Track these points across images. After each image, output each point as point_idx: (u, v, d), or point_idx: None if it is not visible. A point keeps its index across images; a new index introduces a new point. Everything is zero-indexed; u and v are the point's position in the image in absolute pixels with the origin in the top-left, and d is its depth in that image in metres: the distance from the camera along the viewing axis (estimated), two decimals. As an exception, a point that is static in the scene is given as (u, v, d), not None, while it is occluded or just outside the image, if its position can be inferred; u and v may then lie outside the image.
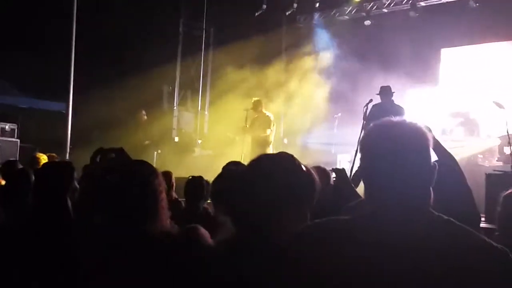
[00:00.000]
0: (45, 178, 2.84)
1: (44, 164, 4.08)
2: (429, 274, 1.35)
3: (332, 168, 4.25)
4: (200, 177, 4.76)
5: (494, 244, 1.41)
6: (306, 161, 1.85)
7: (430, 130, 2.94)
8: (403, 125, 1.54)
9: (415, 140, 1.50)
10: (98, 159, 3.00)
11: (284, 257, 1.56)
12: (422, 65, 11.47)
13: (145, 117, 11.71)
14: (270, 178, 1.75)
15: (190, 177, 4.79)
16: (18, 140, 11.95)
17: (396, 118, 1.57)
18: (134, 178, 2.25)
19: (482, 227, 4.73)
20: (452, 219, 1.47)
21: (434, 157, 2.82)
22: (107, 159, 3.00)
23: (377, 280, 1.38)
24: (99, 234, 2.32)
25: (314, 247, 1.50)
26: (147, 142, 11.07)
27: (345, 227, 1.52)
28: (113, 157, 2.98)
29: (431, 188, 1.51)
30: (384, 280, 1.38)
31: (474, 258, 1.37)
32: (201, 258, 1.81)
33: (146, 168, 2.32)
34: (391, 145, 1.49)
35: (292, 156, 1.86)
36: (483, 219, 6.64)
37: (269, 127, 9.88)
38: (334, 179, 4.15)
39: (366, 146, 1.58)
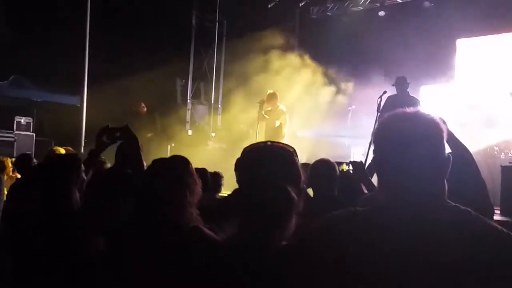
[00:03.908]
0: (51, 170, 2.86)
1: (51, 156, 4.11)
2: (445, 263, 1.34)
3: (350, 161, 4.28)
4: (203, 169, 4.74)
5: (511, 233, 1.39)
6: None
7: (444, 122, 2.92)
8: (416, 116, 1.52)
9: (428, 131, 1.49)
10: (104, 138, 3.02)
11: (298, 253, 1.55)
12: (437, 56, 11.34)
13: (145, 109, 11.64)
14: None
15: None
16: (34, 134, 12.09)
17: (409, 109, 1.55)
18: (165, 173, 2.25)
19: (496, 220, 4.68)
20: (469, 209, 1.45)
21: (447, 149, 2.80)
22: (113, 137, 3.02)
23: (392, 271, 1.38)
24: (112, 224, 2.33)
25: (332, 239, 1.49)
26: (149, 134, 10.93)
27: (361, 218, 1.51)
28: (118, 135, 3.00)
29: (445, 180, 1.49)
30: (400, 271, 1.37)
31: (491, 247, 1.36)
32: (206, 256, 1.79)
33: (179, 162, 2.32)
34: (403, 136, 1.48)
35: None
36: (498, 211, 6.59)
37: (281, 120, 9.87)
38: (352, 171, 4.17)
39: (378, 137, 1.56)
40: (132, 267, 2.13)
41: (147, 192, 2.23)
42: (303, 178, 1.78)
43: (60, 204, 2.72)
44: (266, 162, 1.75)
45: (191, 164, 2.33)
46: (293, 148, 1.81)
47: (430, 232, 1.38)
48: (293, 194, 1.69)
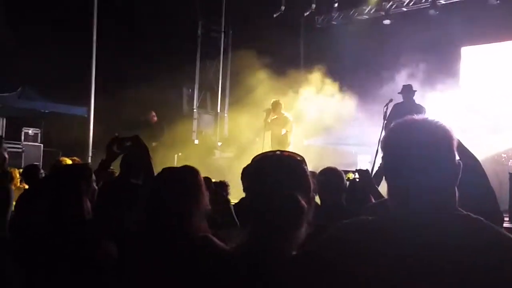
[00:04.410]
0: (58, 180, 2.86)
1: (57, 167, 4.12)
2: (455, 271, 1.33)
3: (356, 169, 4.27)
4: (206, 178, 4.72)
5: None
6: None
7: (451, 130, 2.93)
8: (426, 123, 1.51)
9: (437, 138, 1.48)
10: (114, 148, 3.03)
11: (308, 262, 1.55)
12: (442, 64, 11.35)
13: (155, 118, 11.62)
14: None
15: None
16: (42, 145, 12.18)
17: (418, 116, 1.54)
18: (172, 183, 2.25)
19: (505, 227, 4.65)
20: (480, 217, 1.44)
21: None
22: (123, 147, 3.03)
23: (402, 280, 1.37)
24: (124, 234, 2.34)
25: (342, 248, 1.49)
26: (154, 144, 10.89)
27: (372, 227, 1.50)
28: (129, 145, 3.01)
29: (456, 188, 1.48)
30: (410, 280, 1.36)
31: (503, 255, 1.35)
32: (215, 265, 1.79)
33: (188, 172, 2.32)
34: (412, 143, 1.47)
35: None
36: (506, 218, 6.55)
37: (287, 128, 9.88)
38: (358, 180, 4.16)
39: (388, 144, 1.55)
40: (141, 277, 2.13)
41: (155, 202, 2.23)
42: (312, 186, 1.77)
43: (67, 213, 2.71)
44: (273, 171, 1.74)
45: (200, 175, 2.33)
46: (301, 156, 1.81)
47: (440, 241, 1.37)
48: (303, 203, 1.68)
